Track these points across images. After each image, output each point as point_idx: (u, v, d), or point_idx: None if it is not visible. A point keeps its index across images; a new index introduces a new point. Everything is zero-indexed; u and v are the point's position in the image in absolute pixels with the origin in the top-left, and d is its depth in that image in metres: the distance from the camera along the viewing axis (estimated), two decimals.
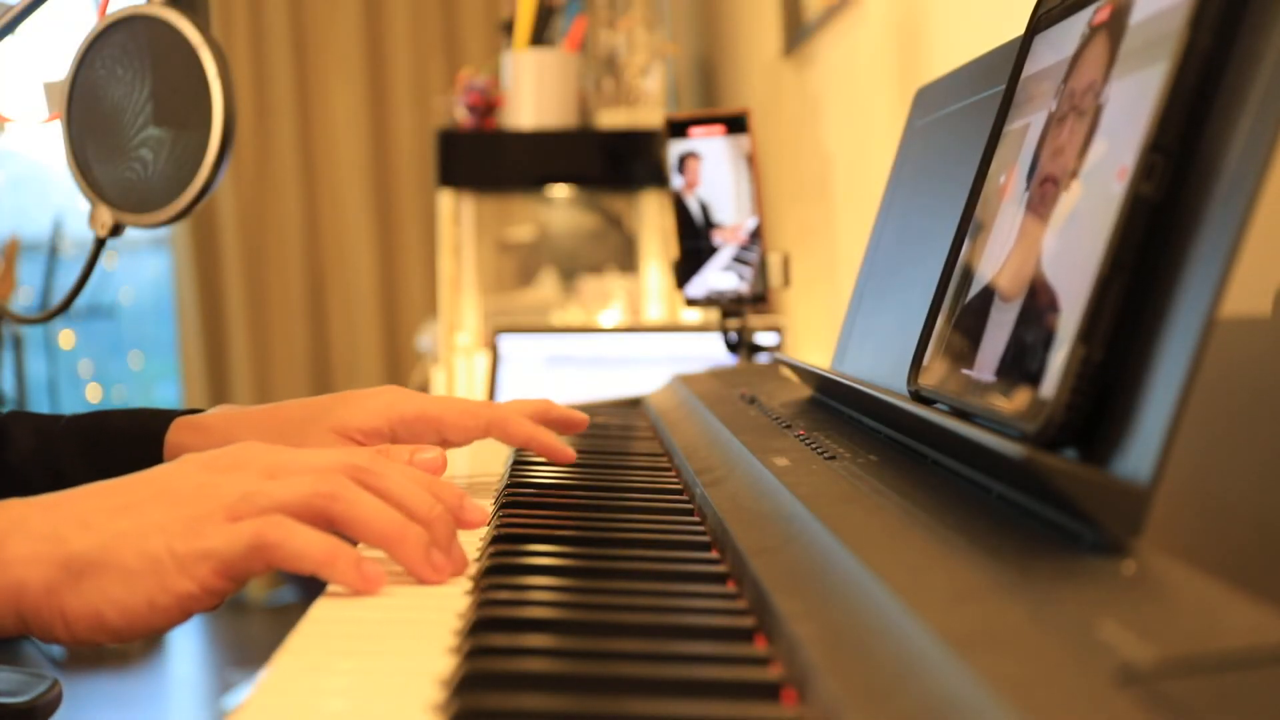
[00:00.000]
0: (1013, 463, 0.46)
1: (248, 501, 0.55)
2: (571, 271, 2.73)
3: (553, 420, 0.83)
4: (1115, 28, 0.54)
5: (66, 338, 4.06)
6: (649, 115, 2.39)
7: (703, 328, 1.87)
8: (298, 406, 0.81)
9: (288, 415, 0.80)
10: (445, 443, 0.80)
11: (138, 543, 0.53)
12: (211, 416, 0.81)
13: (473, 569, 0.59)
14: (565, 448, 0.78)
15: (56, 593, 0.53)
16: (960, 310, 0.65)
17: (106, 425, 0.82)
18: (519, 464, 0.84)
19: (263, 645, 3.08)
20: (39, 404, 3.87)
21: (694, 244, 1.37)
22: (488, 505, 0.73)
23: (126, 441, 0.81)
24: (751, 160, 1.32)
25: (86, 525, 0.54)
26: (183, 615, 0.54)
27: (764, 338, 1.42)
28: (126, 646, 3.29)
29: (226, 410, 0.82)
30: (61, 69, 1.04)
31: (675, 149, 1.37)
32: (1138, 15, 0.52)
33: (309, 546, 0.53)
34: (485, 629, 0.49)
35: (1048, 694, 0.33)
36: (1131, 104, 0.50)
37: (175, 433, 0.80)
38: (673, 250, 1.42)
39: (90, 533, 0.54)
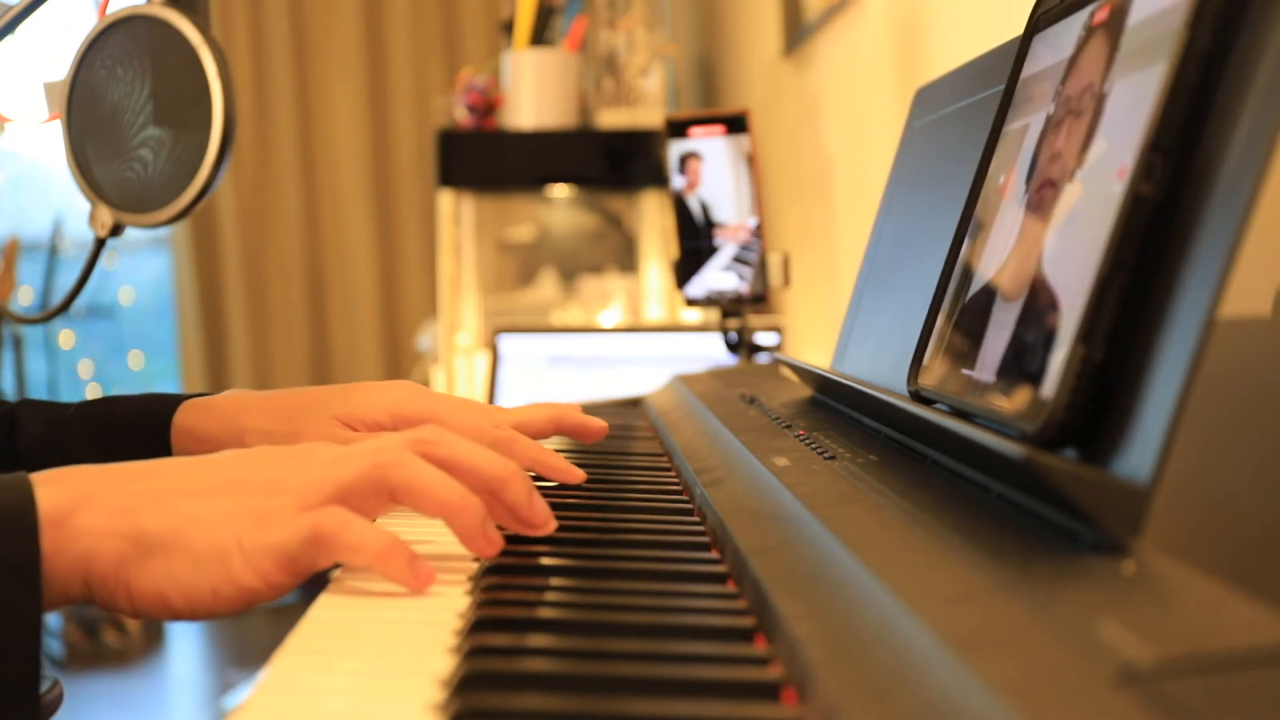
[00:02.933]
0: (1013, 463, 0.46)
1: (312, 489, 0.56)
2: (571, 271, 2.73)
3: (568, 429, 0.80)
4: (1115, 28, 0.54)
5: (66, 338, 4.06)
6: (649, 115, 2.39)
7: (703, 328, 1.87)
8: (308, 392, 0.81)
9: (296, 401, 0.79)
10: None
11: (208, 530, 0.54)
12: (221, 398, 0.81)
13: (472, 569, 0.59)
14: (573, 470, 0.73)
15: (125, 567, 0.54)
16: (960, 310, 0.65)
17: (114, 412, 0.82)
18: None
19: (263, 645, 3.08)
20: None
21: (694, 244, 1.37)
22: None
23: (134, 427, 0.81)
24: (751, 160, 1.32)
25: (158, 505, 0.55)
26: (244, 605, 0.55)
27: (764, 338, 1.42)
28: (126, 646, 3.29)
29: (237, 393, 0.82)
30: (61, 69, 1.04)
31: (675, 149, 1.37)
32: (1137, 15, 0.52)
33: (364, 539, 0.54)
34: (485, 629, 0.49)
35: (1048, 694, 0.33)
36: (1131, 104, 0.50)
37: (183, 415, 0.80)
38: (673, 250, 1.42)
39: (162, 513, 0.54)
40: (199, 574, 0.54)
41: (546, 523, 0.61)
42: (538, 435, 0.78)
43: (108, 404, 0.83)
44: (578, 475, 0.73)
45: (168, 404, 0.81)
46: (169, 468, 0.58)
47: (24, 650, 0.51)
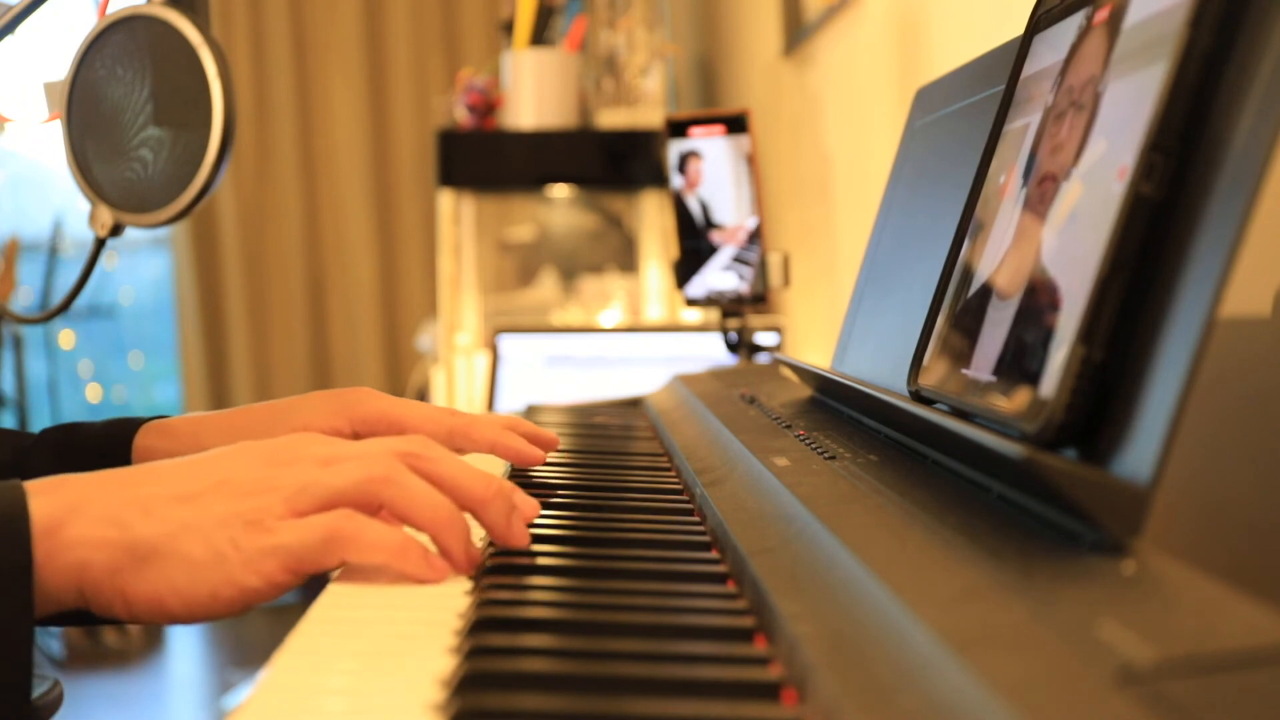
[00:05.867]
0: (1013, 463, 0.46)
1: (306, 493, 0.56)
2: (571, 271, 2.73)
3: (521, 435, 0.82)
4: (1115, 27, 0.54)
5: (66, 338, 4.06)
6: (649, 115, 2.39)
7: (703, 328, 1.87)
8: (263, 408, 0.82)
9: (254, 416, 0.81)
10: None
11: (203, 535, 0.54)
12: (179, 420, 0.83)
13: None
14: (533, 450, 0.77)
15: (119, 575, 0.54)
16: (960, 310, 0.65)
17: (76, 436, 0.83)
18: None
19: (263, 645, 3.08)
20: (39, 404, 3.87)
21: (694, 244, 1.37)
22: None
23: (95, 450, 0.81)
24: (751, 160, 1.32)
25: (150, 512, 0.55)
26: (243, 607, 0.55)
27: (764, 338, 1.42)
28: (126, 646, 3.29)
29: (194, 415, 0.84)
30: (61, 69, 1.04)
31: (675, 149, 1.37)
32: (1137, 15, 0.52)
33: (382, 539, 0.55)
34: (485, 629, 0.49)
35: (1048, 694, 0.33)
36: (1131, 104, 0.50)
37: (143, 437, 0.81)
38: (673, 250, 1.42)
39: (154, 520, 0.55)
40: (196, 579, 0.54)
41: (522, 542, 0.60)
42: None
43: (71, 429, 0.84)
44: (537, 458, 0.77)
45: (129, 427, 0.82)
46: (155, 471, 0.58)
47: (15, 658, 0.51)
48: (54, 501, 0.54)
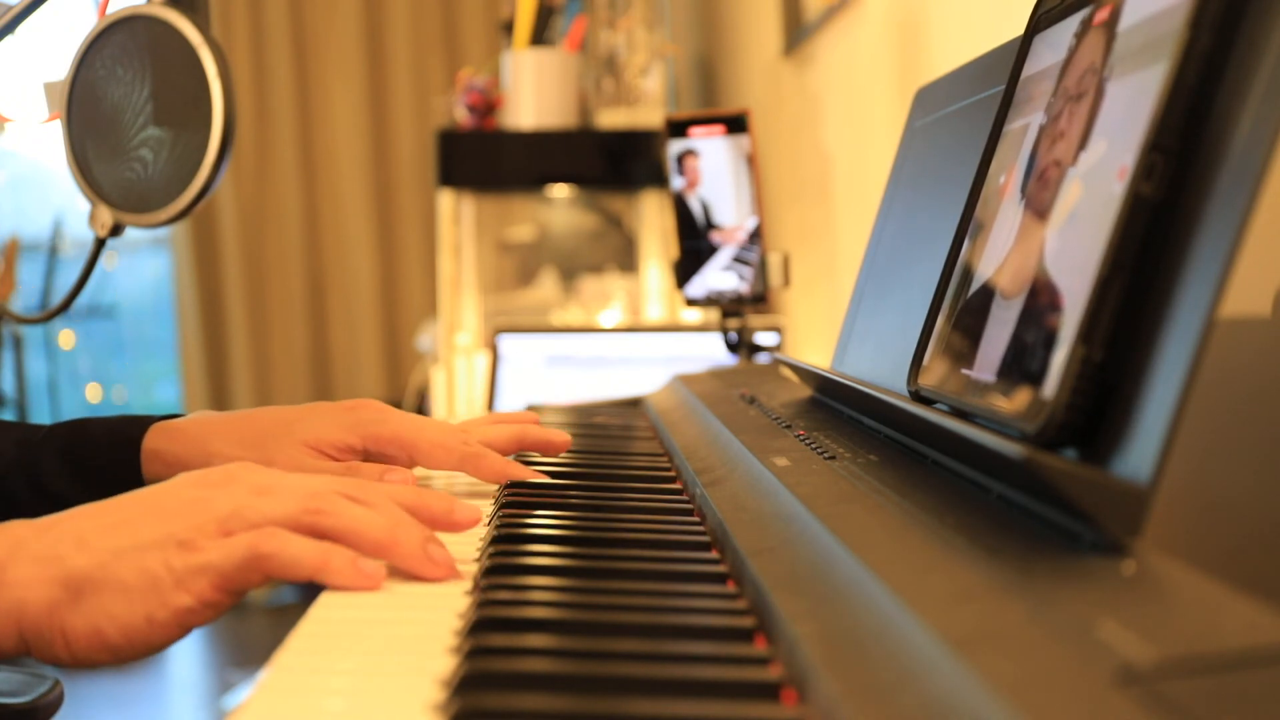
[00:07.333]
0: (1013, 463, 0.46)
1: (238, 517, 0.56)
2: (571, 271, 2.73)
3: (530, 445, 0.83)
4: (1115, 27, 0.54)
5: (66, 338, 4.06)
6: (649, 115, 2.39)
7: (703, 328, 1.87)
8: (272, 414, 0.81)
9: (262, 424, 0.80)
10: (416, 467, 0.80)
11: (135, 559, 0.54)
12: (187, 422, 0.82)
13: (473, 569, 0.59)
14: (537, 476, 0.78)
15: (57, 612, 0.54)
16: (960, 310, 0.65)
17: (84, 433, 0.83)
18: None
19: (263, 645, 3.08)
20: (39, 404, 3.87)
21: (694, 244, 1.37)
22: (487, 507, 0.73)
23: (104, 449, 0.81)
24: (751, 160, 1.32)
25: (83, 544, 0.55)
26: (181, 631, 0.55)
27: (764, 338, 1.42)
28: None
29: (202, 416, 0.83)
30: (61, 69, 1.04)
31: (675, 149, 1.37)
32: (1138, 15, 0.52)
33: (303, 553, 0.55)
34: (485, 629, 0.49)
35: (1048, 694, 0.33)
36: (1131, 104, 0.50)
37: (152, 439, 0.81)
38: (673, 250, 1.42)
39: (87, 551, 0.55)
40: (131, 605, 0.54)
41: (441, 573, 0.58)
42: (503, 453, 0.80)
43: (79, 426, 0.84)
44: (538, 479, 0.78)
45: (138, 426, 0.82)
46: (92, 508, 0.58)
47: None
48: None
